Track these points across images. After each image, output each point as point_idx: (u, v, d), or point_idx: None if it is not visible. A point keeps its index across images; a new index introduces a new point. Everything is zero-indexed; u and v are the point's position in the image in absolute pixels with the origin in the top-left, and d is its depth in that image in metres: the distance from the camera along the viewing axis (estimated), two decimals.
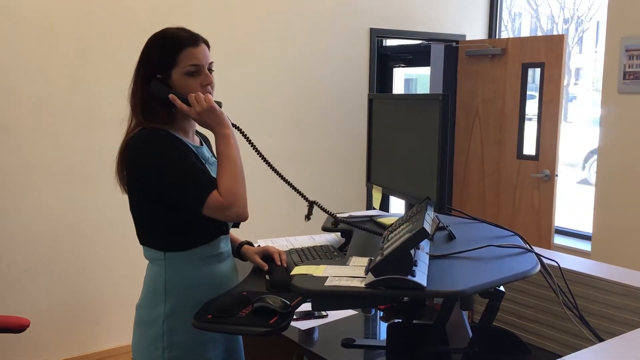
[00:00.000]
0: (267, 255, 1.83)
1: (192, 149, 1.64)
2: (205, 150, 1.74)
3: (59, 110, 3.38)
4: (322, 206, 1.73)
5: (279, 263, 1.78)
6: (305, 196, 1.70)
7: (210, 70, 1.66)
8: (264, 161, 1.71)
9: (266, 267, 1.77)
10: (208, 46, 1.66)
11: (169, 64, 1.60)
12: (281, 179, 1.70)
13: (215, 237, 1.67)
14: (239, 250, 1.87)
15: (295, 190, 1.71)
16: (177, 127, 1.65)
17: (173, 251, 1.62)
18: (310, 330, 2.06)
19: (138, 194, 1.63)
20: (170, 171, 1.55)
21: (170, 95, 1.59)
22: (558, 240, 4.31)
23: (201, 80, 1.62)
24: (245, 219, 1.60)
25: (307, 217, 1.69)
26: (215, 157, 1.74)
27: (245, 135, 1.70)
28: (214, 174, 1.64)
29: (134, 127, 1.64)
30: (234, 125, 1.68)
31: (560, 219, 4.46)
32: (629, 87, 3.55)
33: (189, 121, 1.67)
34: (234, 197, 1.55)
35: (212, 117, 1.60)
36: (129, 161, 1.60)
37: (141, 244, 1.68)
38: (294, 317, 2.14)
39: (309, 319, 2.12)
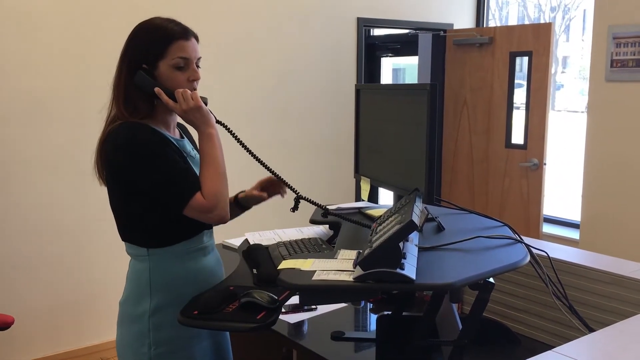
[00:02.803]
0: (265, 185, 1.84)
1: (173, 143, 1.61)
2: (186, 143, 1.71)
3: (43, 103, 3.32)
4: (310, 199, 1.71)
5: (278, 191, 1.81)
6: (293, 189, 1.68)
7: (197, 65, 1.63)
8: (251, 155, 1.69)
9: (265, 195, 1.81)
10: (197, 41, 1.63)
11: (157, 55, 1.56)
12: (270, 172, 1.68)
13: (198, 231, 1.64)
14: (237, 200, 1.85)
15: (284, 183, 1.69)
16: (158, 120, 1.62)
17: (156, 247, 1.59)
18: (300, 324, 2.04)
19: (118, 190, 1.60)
20: (153, 169, 1.51)
21: (156, 89, 1.55)
22: (546, 229, 4.32)
23: (188, 75, 1.59)
24: (226, 221, 1.59)
25: (293, 209, 1.67)
26: (197, 150, 1.72)
27: (230, 132, 1.67)
28: (196, 168, 1.62)
29: (113, 119, 1.60)
30: (218, 122, 1.65)
31: (549, 208, 4.47)
32: (616, 75, 3.56)
33: (171, 115, 1.64)
34: (217, 200, 1.53)
35: (197, 116, 1.57)
36: (109, 156, 1.56)
37: (123, 240, 1.65)
38: (283, 310, 2.13)
39: (298, 312, 2.10)
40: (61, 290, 3.47)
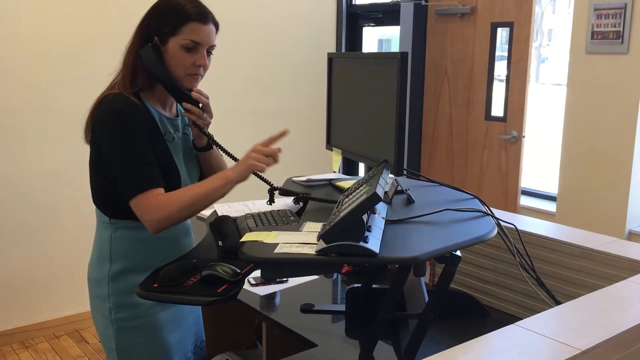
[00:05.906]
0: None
1: (159, 125, 1.59)
2: (179, 122, 1.69)
3: (9, 72, 3.22)
4: (284, 189, 1.74)
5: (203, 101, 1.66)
6: (268, 182, 1.68)
7: (209, 52, 1.61)
8: (231, 159, 1.67)
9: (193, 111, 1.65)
10: (217, 28, 1.61)
11: (170, 31, 1.55)
12: (257, 176, 1.66)
13: None
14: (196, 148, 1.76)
15: (261, 179, 1.66)
16: (155, 96, 1.61)
17: (118, 218, 1.59)
18: (271, 296, 2.02)
19: (92, 155, 1.60)
20: (119, 152, 1.50)
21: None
22: (524, 201, 4.33)
23: (195, 59, 1.57)
24: (152, 232, 1.53)
25: (269, 202, 1.68)
26: (189, 128, 1.71)
27: (216, 143, 1.68)
28: (175, 153, 1.61)
29: (113, 85, 1.60)
30: (207, 136, 1.66)
31: (531, 181, 4.47)
32: (596, 47, 3.52)
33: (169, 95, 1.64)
34: (163, 224, 1.50)
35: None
36: (93, 121, 1.56)
37: (93, 203, 1.66)
38: (254, 282, 2.11)
39: (269, 284, 2.08)
40: (26, 261, 3.42)
